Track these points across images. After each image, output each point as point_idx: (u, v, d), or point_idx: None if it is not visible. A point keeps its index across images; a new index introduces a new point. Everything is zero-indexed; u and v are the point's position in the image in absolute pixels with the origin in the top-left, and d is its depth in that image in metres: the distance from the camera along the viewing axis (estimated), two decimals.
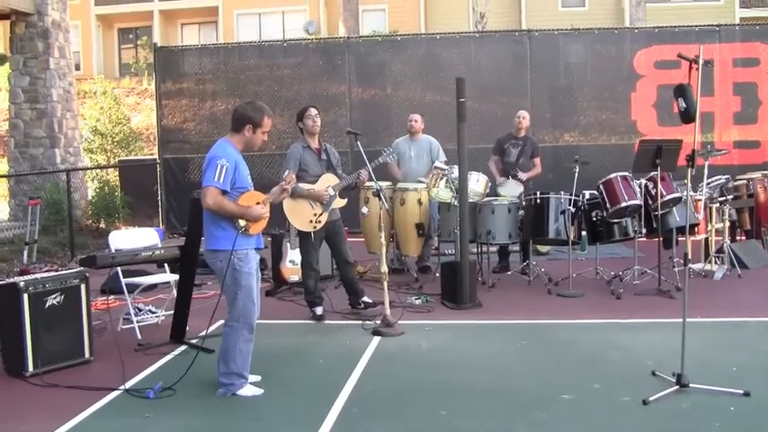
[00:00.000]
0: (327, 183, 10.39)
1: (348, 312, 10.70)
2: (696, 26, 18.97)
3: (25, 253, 14.57)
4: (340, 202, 10.55)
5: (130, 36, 44.35)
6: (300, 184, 10.13)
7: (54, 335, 8.29)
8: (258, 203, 7.37)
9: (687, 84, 7.65)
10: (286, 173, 7.87)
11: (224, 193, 7.15)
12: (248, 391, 7.42)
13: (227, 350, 7.38)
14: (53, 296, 8.33)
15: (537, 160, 13.75)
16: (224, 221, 7.25)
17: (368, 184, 11.50)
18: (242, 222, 7.23)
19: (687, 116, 7.65)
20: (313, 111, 10.55)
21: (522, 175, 13.26)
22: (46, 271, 10.34)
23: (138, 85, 35.73)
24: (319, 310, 10.51)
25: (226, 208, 7.16)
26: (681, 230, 11.35)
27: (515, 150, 13.53)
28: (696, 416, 6.59)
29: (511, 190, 12.95)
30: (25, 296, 8.08)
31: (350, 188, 10.68)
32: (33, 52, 20.18)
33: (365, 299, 10.80)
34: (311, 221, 10.27)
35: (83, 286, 8.63)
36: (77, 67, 31.18)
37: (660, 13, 33.45)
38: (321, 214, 10.30)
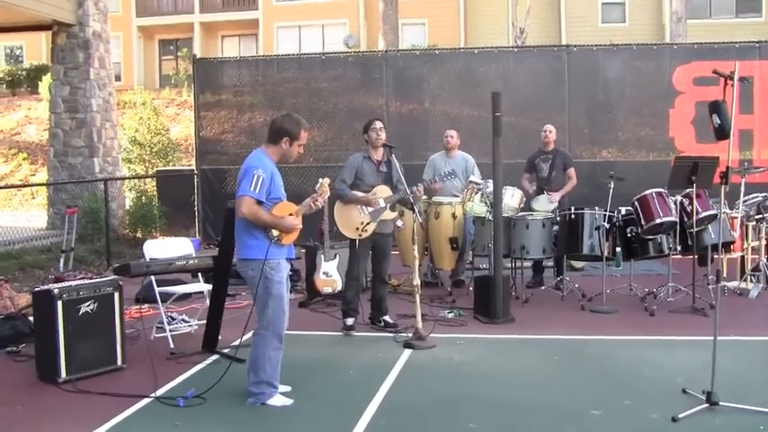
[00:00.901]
0: (380, 194, 10.38)
1: (384, 325, 10.66)
2: (736, 43, 18.86)
3: (62, 261, 14.65)
4: (389, 215, 10.49)
5: (171, 48, 44.63)
6: (349, 190, 10.26)
7: (87, 342, 8.35)
8: (291, 214, 7.41)
9: (722, 100, 7.62)
10: (319, 183, 7.87)
11: (259, 203, 7.19)
12: (278, 401, 7.43)
13: (256, 359, 7.40)
14: (87, 304, 8.40)
15: (571, 171, 13.71)
16: (257, 231, 7.29)
17: None
18: (275, 232, 7.27)
19: (722, 133, 7.62)
20: (378, 124, 10.56)
21: (555, 196, 13.25)
22: (80, 279, 10.41)
23: (178, 96, 35.91)
24: (350, 321, 10.49)
25: (260, 217, 7.21)
26: (716, 248, 11.29)
27: (546, 165, 13.53)
28: None
29: (544, 205, 12.93)
30: (59, 303, 8.15)
31: (406, 203, 10.55)
32: (74, 62, 20.34)
33: (386, 318, 10.75)
34: (357, 229, 10.28)
35: (116, 294, 8.70)
36: (118, 78, 31.45)
37: (701, 30, 33.32)
38: (368, 223, 10.29)
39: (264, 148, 7.55)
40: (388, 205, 10.39)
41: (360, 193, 10.29)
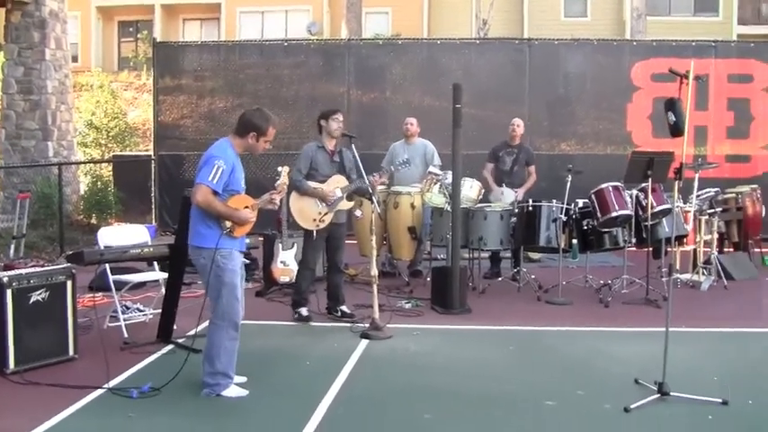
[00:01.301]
0: (336, 184, 10.42)
1: (328, 316, 10.71)
2: (693, 41, 19.12)
3: (12, 247, 14.35)
4: (346, 205, 10.55)
5: (131, 29, 44.12)
6: (309, 182, 10.28)
7: (38, 332, 8.17)
8: (247, 207, 7.43)
9: (677, 98, 7.75)
10: (278, 181, 7.90)
11: (215, 193, 7.20)
12: (233, 391, 7.41)
13: (211, 349, 7.38)
14: (38, 292, 8.20)
15: (532, 168, 13.85)
16: (211, 220, 7.29)
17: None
18: (227, 224, 7.28)
19: (676, 130, 7.78)
20: (340, 116, 10.64)
21: (520, 192, 13.38)
22: (31, 266, 10.33)
23: (137, 79, 35.48)
24: (305, 311, 10.53)
25: (215, 207, 7.21)
26: (670, 241, 11.44)
27: (510, 159, 13.62)
28: (675, 424, 6.69)
29: (504, 197, 13.03)
30: (9, 292, 7.95)
31: (361, 192, 10.62)
32: (29, 42, 19.98)
33: (343, 308, 10.79)
34: (315, 220, 10.30)
35: (69, 283, 8.50)
36: (75, 59, 31.05)
37: (660, 27, 33.55)
38: (326, 214, 10.33)
39: (231, 139, 7.53)
40: (345, 195, 10.43)
41: (316, 184, 10.32)
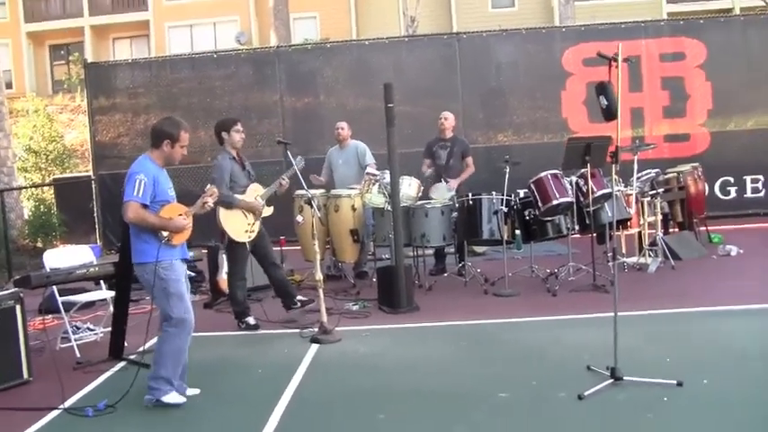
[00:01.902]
0: (255, 192, 10.57)
1: (285, 321, 10.69)
2: (623, 23, 19.20)
3: None
4: (268, 211, 10.72)
5: (62, 52, 43.92)
6: (236, 195, 10.30)
7: None
8: (180, 215, 7.45)
9: (608, 81, 7.76)
10: (208, 186, 7.90)
11: (144, 206, 7.26)
12: (173, 398, 7.42)
13: (159, 356, 7.42)
14: None
15: (469, 160, 13.79)
16: (146, 234, 7.35)
17: (300, 192, 11.69)
18: (164, 233, 7.32)
19: (609, 113, 7.76)
20: (240, 126, 10.73)
21: (453, 183, 13.31)
22: None
23: (72, 101, 35.38)
24: (251, 320, 10.55)
25: (147, 220, 7.27)
26: (613, 225, 11.46)
27: (444, 152, 13.58)
28: (630, 408, 6.69)
29: (442, 193, 13.00)
30: None
31: (273, 196, 10.81)
32: None
33: (300, 297, 10.85)
34: (246, 231, 10.38)
35: (18, 307, 8.50)
36: (9, 86, 30.91)
37: (589, 11, 33.72)
38: (254, 223, 10.45)
39: (149, 154, 7.60)
40: (264, 201, 10.61)
41: (241, 196, 10.41)
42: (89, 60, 22.37)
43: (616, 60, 7.61)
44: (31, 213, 20.78)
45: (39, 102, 29.31)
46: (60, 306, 9.77)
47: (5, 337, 8.37)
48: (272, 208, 10.78)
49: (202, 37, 41.08)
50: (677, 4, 37.67)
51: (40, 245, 19.31)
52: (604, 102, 7.72)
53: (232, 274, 10.70)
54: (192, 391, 7.68)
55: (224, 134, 10.58)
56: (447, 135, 13.68)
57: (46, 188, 22.69)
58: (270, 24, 31.82)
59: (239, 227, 10.35)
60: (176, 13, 41.19)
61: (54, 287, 9.61)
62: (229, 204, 10.27)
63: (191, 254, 9.15)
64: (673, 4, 37.94)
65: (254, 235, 10.45)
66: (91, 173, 20.46)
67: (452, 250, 13.51)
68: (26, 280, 9.05)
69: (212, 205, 7.86)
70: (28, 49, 42.74)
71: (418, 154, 14.19)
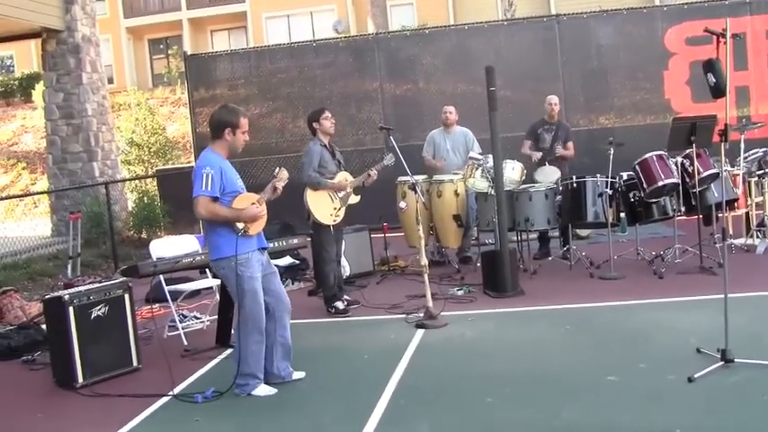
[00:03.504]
0: (344, 179, 10.70)
1: (391, 307, 10.71)
2: (726, 0, 18.86)
3: (69, 267, 14.56)
4: (354, 199, 10.88)
5: (161, 46, 44.54)
6: (321, 177, 10.44)
7: (101, 345, 8.36)
8: (253, 204, 7.47)
9: (716, 59, 7.63)
10: (277, 170, 7.88)
11: (215, 199, 7.28)
12: (262, 390, 7.50)
13: (239, 352, 7.47)
14: (98, 307, 8.40)
15: (570, 144, 13.72)
16: (222, 228, 7.37)
17: (403, 178, 11.72)
18: (240, 225, 7.32)
19: (717, 91, 7.64)
20: (329, 113, 10.74)
21: (559, 149, 13.30)
22: (89, 283, 10.42)
23: (172, 94, 35.87)
24: (341, 305, 10.68)
25: (219, 213, 7.30)
26: (720, 206, 11.29)
27: (549, 136, 13.50)
28: (743, 390, 6.56)
29: (548, 175, 12.93)
30: (71, 309, 8.15)
31: (362, 187, 10.94)
32: (66, 68, 20.30)
33: (346, 296, 11.06)
34: (331, 215, 10.56)
35: (126, 296, 8.69)
36: (110, 81, 31.26)
37: None
38: (340, 209, 10.62)
39: (211, 147, 7.62)
40: (352, 189, 10.75)
41: (330, 181, 10.53)
42: (189, 53, 22.49)
43: (724, 36, 7.48)
44: (135, 205, 21.13)
45: (140, 95, 29.67)
46: (167, 295, 9.95)
47: (115, 326, 8.56)
48: (359, 197, 10.89)
49: (300, 26, 41.27)
50: None
51: (144, 236, 19.63)
52: (712, 79, 7.60)
53: (321, 258, 10.83)
54: (298, 374, 7.79)
55: (315, 124, 10.68)
56: (554, 119, 13.61)
57: (149, 180, 22.95)
58: (367, 12, 31.98)
59: (325, 209, 10.52)
60: (273, 4, 41.39)
61: (161, 276, 9.79)
62: (317, 185, 10.41)
63: (294, 240, 9.19)
64: None
65: (338, 220, 10.62)
66: (193, 164, 20.62)
67: (557, 234, 13.40)
68: (133, 269, 9.21)
69: (280, 191, 7.78)
70: (128, 44, 43.37)
71: (519, 138, 14.09)
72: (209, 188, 7.21)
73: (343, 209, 10.66)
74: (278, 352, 7.71)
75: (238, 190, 7.49)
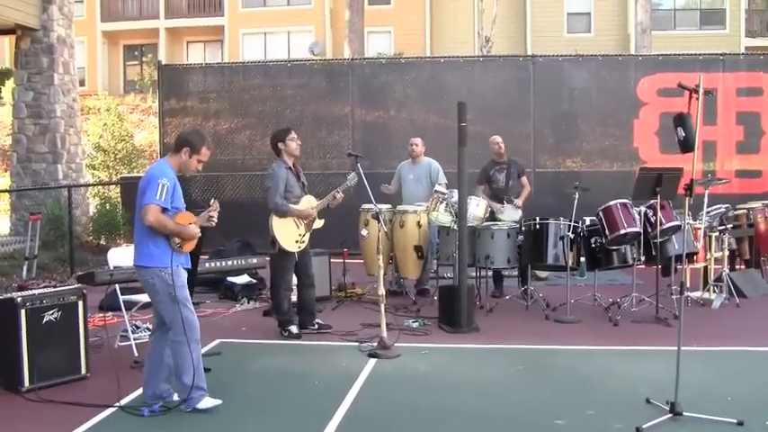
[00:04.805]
0: (308, 204, 10.68)
1: (344, 334, 10.68)
2: (700, 54, 19.03)
3: (25, 268, 14.43)
4: (319, 223, 10.80)
5: (136, 53, 44.49)
6: (290, 205, 10.42)
7: (50, 351, 8.27)
8: (190, 224, 7.52)
9: (687, 113, 7.67)
10: (212, 201, 7.88)
11: (164, 210, 7.31)
12: (207, 402, 7.44)
13: (179, 367, 7.42)
14: (50, 312, 8.33)
15: (524, 179, 13.86)
16: (160, 239, 7.39)
17: (367, 206, 11.72)
18: (177, 240, 7.38)
19: (686, 145, 7.66)
20: (294, 134, 10.75)
21: (518, 201, 13.37)
22: (44, 287, 10.36)
23: (143, 102, 35.76)
24: (294, 329, 10.62)
25: (167, 225, 7.33)
26: (680, 258, 11.35)
27: (502, 175, 13.55)
28: None
29: (511, 214, 12.97)
30: (23, 312, 8.09)
31: (326, 209, 10.89)
32: (38, 68, 20.18)
33: (319, 320, 11.03)
34: (297, 241, 10.52)
35: (80, 303, 8.61)
36: (82, 83, 31.08)
37: (666, 41, 33.48)
38: (305, 234, 10.59)
39: (168, 158, 7.71)
40: (316, 214, 10.69)
41: (296, 207, 10.52)
42: (163, 62, 22.46)
43: (697, 92, 7.52)
44: (96, 211, 20.97)
45: (110, 100, 29.60)
46: (122, 304, 9.83)
47: (66, 332, 8.48)
48: (323, 221, 10.84)
49: (276, 45, 41.29)
50: (756, 39, 37.32)
51: (103, 242, 19.53)
52: (682, 133, 7.62)
53: (278, 284, 10.74)
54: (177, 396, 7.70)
55: (280, 144, 10.65)
56: (503, 158, 13.65)
57: (112, 186, 22.88)
58: (344, 36, 31.99)
59: (290, 236, 10.46)
60: (251, 20, 41.41)
61: (116, 285, 9.73)
62: (284, 213, 10.39)
63: (253, 260, 9.16)
64: (751, 38, 37.58)
65: (303, 245, 10.58)
66: None
67: (515, 273, 13.42)
68: (90, 276, 9.24)
69: (215, 222, 7.82)
70: (102, 48, 43.19)
71: None
72: (162, 198, 7.25)
73: (308, 234, 10.64)
74: (164, 372, 7.66)
75: (181, 207, 7.54)
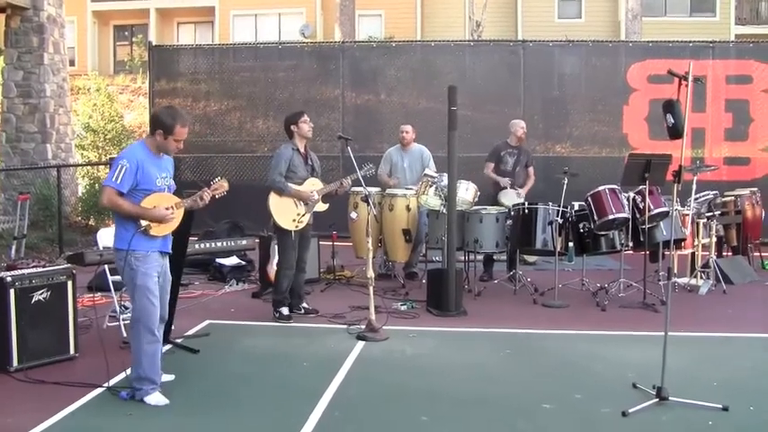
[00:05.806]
0: (313, 186, 10.63)
1: (333, 316, 10.72)
2: (690, 42, 19.04)
3: (13, 248, 14.43)
4: (322, 207, 10.79)
5: (126, 33, 44.25)
6: (288, 184, 10.37)
7: (39, 331, 8.28)
8: (168, 208, 7.31)
9: (676, 100, 7.69)
10: (217, 179, 7.79)
11: (121, 194, 7.11)
12: (154, 399, 7.25)
13: (133, 354, 7.35)
14: (39, 292, 8.33)
15: (531, 170, 13.89)
16: (127, 221, 7.22)
17: (357, 189, 11.72)
18: (143, 222, 7.20)
19: (675, 132, 7.69)
20: (307, 117, 10.72)
21: (522, 191, 13.44)
22: (33, 267, 10.35)
23: (133, 82, 35.60)
24: (285, 311, 10.62)
25: (122, 207, 7.13)
26: (667, 244, 11.39)
27: (512, 159, 13.59)
28: (674, 429, 6.64)
29: (512, 199, 12.98)
30: (12, 291, 8.09)
31: (331, 195, 10.89)
32: (28, 47, 20.16)
33: (305, 305, 10.99)
34: (294, 220, 10.47)
35: (69, 283, 8.61)
36: (72, 63, 30.96)
37: (656, 28, 33.51)
38: (304, 215, 10.54)
39: (144, 139, 7.53)
40: (320, 197, 10.68)
41: (296, 187, 10.50)
42: (153, 43, 22.39)
43: (686, 79, 7.54)
44: (85, 191, 21.01)
45: (100, 81, 29.46)
46: (111, 285, 9.86)
47: (55, 312, 8.49)
48: (326, 205, 10.83)
49: (267, 27, 41.12)
50: (746, 26, 37.32)
51: (92, 223, 19.58)
52: (671, 120, 7.65)
53: (280, 263, 10.76)
54: (166, 377, 7.68)
55: (293, 127, 10.63)
56: (519, 143, 13.67)
57: (102, 167, 22.82)
58: (335, 19, 31.94)
59: (288, 214, 10.45)
60: (242, 2, 41.20)
61: (106, 266, 9.72)
62: (280, 191, 10.39)
63: (242, 242, 9.13)
64: (741, 25, 37.57)
65: (301, 226, 10.54)
66: None
67: (503, 258, 13.47)
68: (79, 257, 9.21)
69: (207, 201, 7.67)
70: (93, 28, 42.93)
71: (476, 159, 14.23)
72: (118, 180, 7.05)
73: (308, 215, 10.61)
74: None
75: (154, 189, 7.30)
